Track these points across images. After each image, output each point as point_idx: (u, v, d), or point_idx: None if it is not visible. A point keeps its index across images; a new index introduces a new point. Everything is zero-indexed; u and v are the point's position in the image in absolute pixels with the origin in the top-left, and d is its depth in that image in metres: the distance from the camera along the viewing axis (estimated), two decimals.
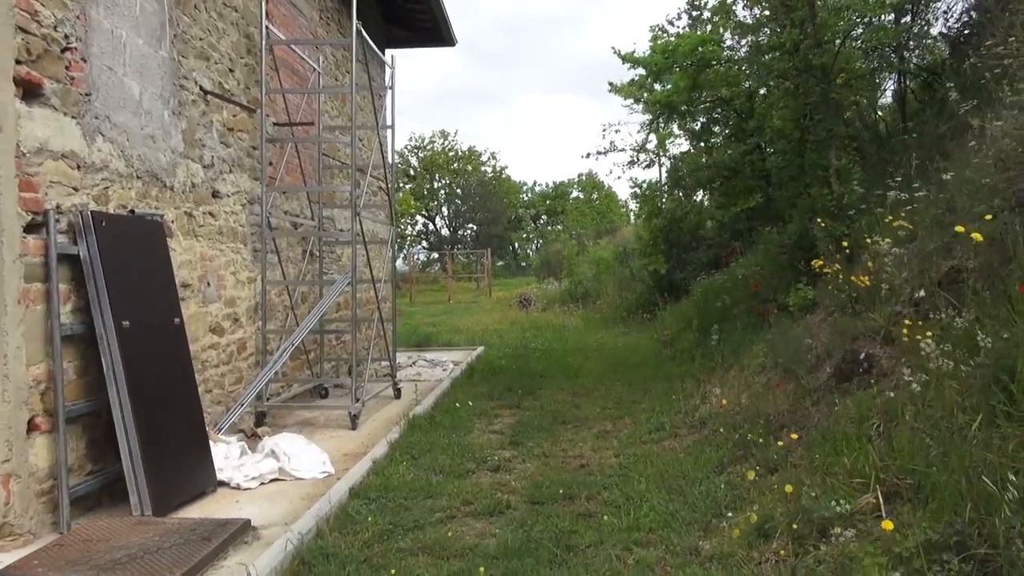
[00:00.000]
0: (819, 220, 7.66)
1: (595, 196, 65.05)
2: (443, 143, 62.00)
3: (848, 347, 5.39)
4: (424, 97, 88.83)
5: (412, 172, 60.61)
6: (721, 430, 5.82)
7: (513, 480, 5.57)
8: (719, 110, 12.72)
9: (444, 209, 62.69)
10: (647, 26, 12.99)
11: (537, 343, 15.84)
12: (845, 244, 7.00)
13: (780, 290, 8.64)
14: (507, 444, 6.64)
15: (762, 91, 11.59)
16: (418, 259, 62.23)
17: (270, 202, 7.83)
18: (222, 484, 5.41)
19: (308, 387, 8.98)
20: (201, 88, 6.52)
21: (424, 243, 62.73)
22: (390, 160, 12.65)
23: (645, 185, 13.59)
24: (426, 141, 61.79)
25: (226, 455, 5.59)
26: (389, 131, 10.58)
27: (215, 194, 6.75)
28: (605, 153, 12.18)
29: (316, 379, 9.13)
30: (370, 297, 11.97)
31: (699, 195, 14.03)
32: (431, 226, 63.17)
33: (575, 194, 67.06)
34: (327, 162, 9.94)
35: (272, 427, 7.52)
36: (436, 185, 61.67)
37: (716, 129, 13.14)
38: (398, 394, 9.27)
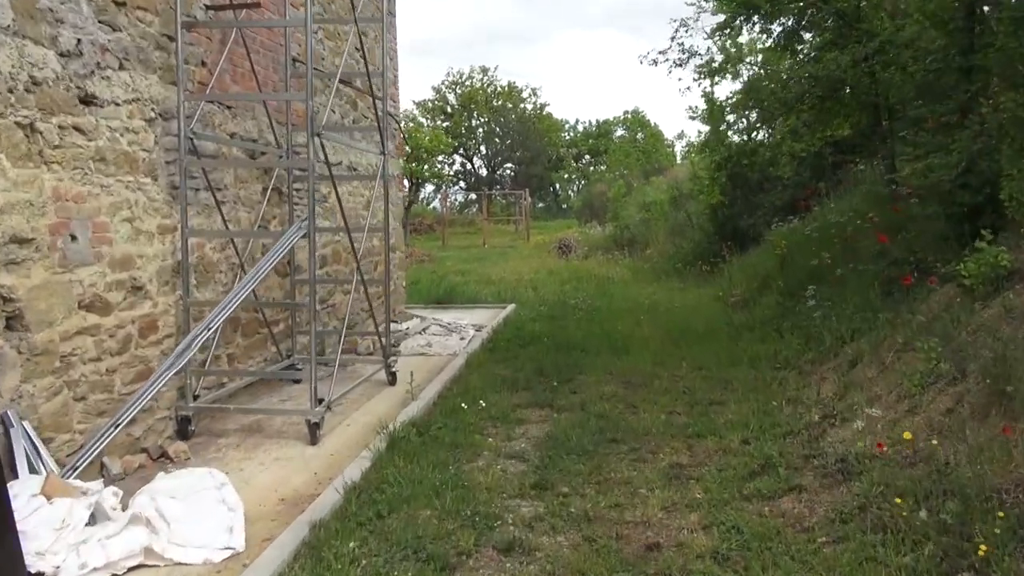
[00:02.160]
0: (1006, 141, 5.05)
1: (640, 135, 61.54)
2: (482, 79, 58.84)
3: None
4: (459, 32, 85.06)
5: (449, 109, 57.76)
6: (897, 506, 3.35)
7: None
8: (813, 11, 9.87)
9: (482, 148, 59.92)
10: None
11: (577, 299, 13.45)
12: None
13: (930, 248, 6.07)
14: (529, 487, 4.33)
15: None
16: (455, 200, 60.01)
17: (197, 117, 5.48)
18: None
19: (276, 369, 6.78)
20: None
21: (462, 183, 60.19)
22: (390, 69, 10.18)
23: (717, 103, 10.87)
24: (464, 77, 58.68)
25: (63, 522, 3.39)
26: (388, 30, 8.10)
27: (87, 99, 4.42)
28: (679, 64, 9.36)
29: (268, 370, 6.91)
30: (369, 248, 9.66)
31: (771, 126, 11.23)
32: (468, 166, 60.54)
33: (619, 133, 63.55)
34: (300, 70, 7.53)
35: (202, 438, 5.34)
36: (474, 123, 58.75)
37: (808, 37, 10.30)
38: (393, 379, 7.01)
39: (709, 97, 11.08)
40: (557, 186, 60.69)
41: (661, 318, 10.76)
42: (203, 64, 5.76)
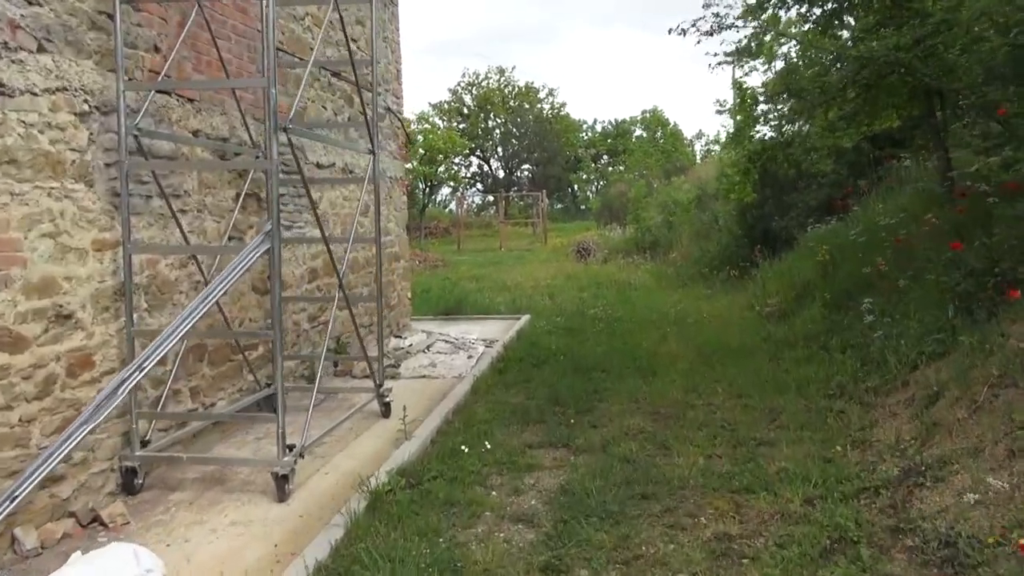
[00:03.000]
0: None
1: (659, 134, 60.44)
2: (499, 80, 58.07)
3: None
4: (476, 31, 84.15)
5: (466, 111, 57.01)
6: None
7: None
8: None
9: (499, 149, 59.13)
10: None
11: (597, 308, 12.53)
12: None
13: (1018, 257, 5.09)
14: (538, 569, 3.42)
15: None
16: (472, 202, 59.10)
17: (146, 111, 4.64)
18: None
19: (250, 402, 5.92)
20: None
21: (479, 185, 59.43)
22: (392, 62, 9.30)
23: (749, 90, 9.87)
24: (481, 78, 57.97)
25: None
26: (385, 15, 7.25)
27: None
28: (711, 33, 8.28)
29: (232, 409, 6.07)
30: (369, 258, 8.80)
31: (810, 117, 10.19)
32: (486, 168, 59.76)
33: (638, 132, 62.51)
34: (287, 60, 6.68)
35: (152, 492, 4.49)
36: (491, 124, 57.97)
37: (849, 21, 9.29)
38: (387, 410, 6.13)
39: (740, 84, 10.08)
40: (576, 187, 59.75)
41: (690, 331, 9.81)
42: (156, 50, 4.92)
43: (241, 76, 5.95)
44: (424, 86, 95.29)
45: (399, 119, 9.95)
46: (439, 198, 53.74)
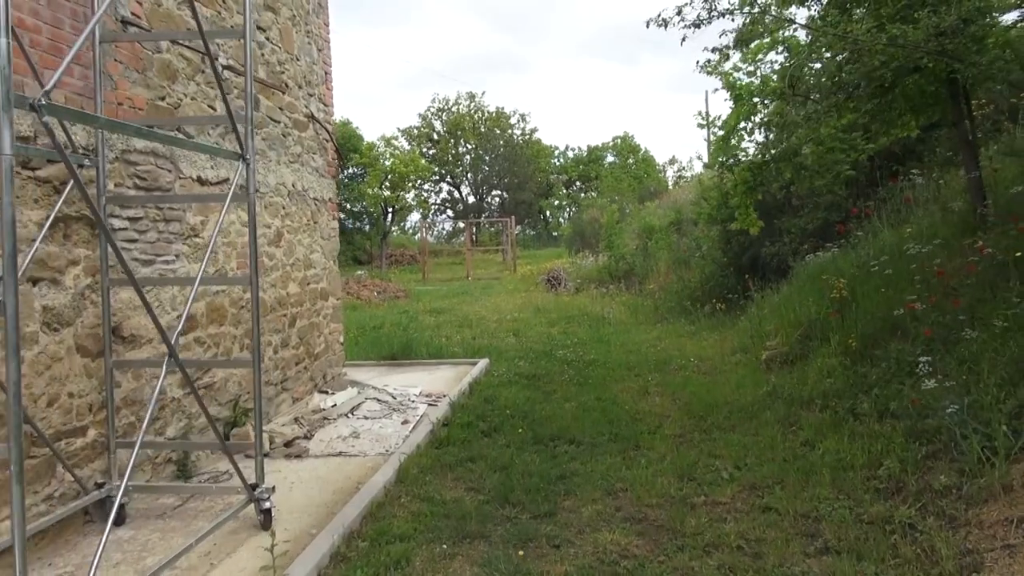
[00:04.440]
0: None
1: (631, 160, 59.51)
2: (469, 104, 56.84)
3: None
4: (442, 62, 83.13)
5: (436, 136, 55.61)
6: None
7: None
8: None
9: (469, 175, 57.79)
10: None
11: (568, 348, 10.90)
12: None
13: None
14: None
15: None
16: (442, 229, 57.34)
17: None
18: None
19: (73, 511, 4.14)
20: None
21: (449, 212, 57.96)
22: (318, 62, 7.49)
23: (743, 86, 8.33)
24: (451, 104, 56.72)
25: None
26: None
27: None
28: (699, 25, 6.66)
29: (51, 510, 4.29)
30: (281, 298, 7.08)
31: (815, 124, 8.67)
32: (456, 193, 58.30)
33: (610, 159, 61.59)
34: (133, 33, 4.96)
35: None
36: (461, 150, 56.66)
37: (858, 13, 7.83)
38: (266, 520, 4.37)
39: (732, 81, 8.54)
40: (548, 213, 58.44)
41: (675, 380, 8.17)
42: None
43: (59, 52, 4.24)
44: (397, 115, 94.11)
45: (327, 129, 8.29)
46: (407, 225, 52.16)
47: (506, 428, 6.42)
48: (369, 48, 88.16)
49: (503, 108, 57.28)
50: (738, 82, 8.49)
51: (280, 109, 7.23)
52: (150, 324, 4.83)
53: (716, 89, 11.26)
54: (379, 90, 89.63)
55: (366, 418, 6.71)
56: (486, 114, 56.71)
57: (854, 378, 6.22)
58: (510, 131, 56.87)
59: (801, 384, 6.83)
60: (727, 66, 8.11)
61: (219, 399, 5.88)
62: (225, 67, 6.16)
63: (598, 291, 18.64)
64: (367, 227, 38.41)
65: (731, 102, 8.70)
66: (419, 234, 44.92)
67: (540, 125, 70.49)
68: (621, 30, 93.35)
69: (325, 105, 8.38)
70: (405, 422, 6.63)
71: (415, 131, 56.10)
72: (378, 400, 7.30)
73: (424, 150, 54.70)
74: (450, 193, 58.54)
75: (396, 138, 42.94)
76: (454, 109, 56.66)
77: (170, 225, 5.33)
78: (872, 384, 5.88)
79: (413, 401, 7.36)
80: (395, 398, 7.44)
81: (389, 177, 30.45)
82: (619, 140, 62.03)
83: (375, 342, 12.01)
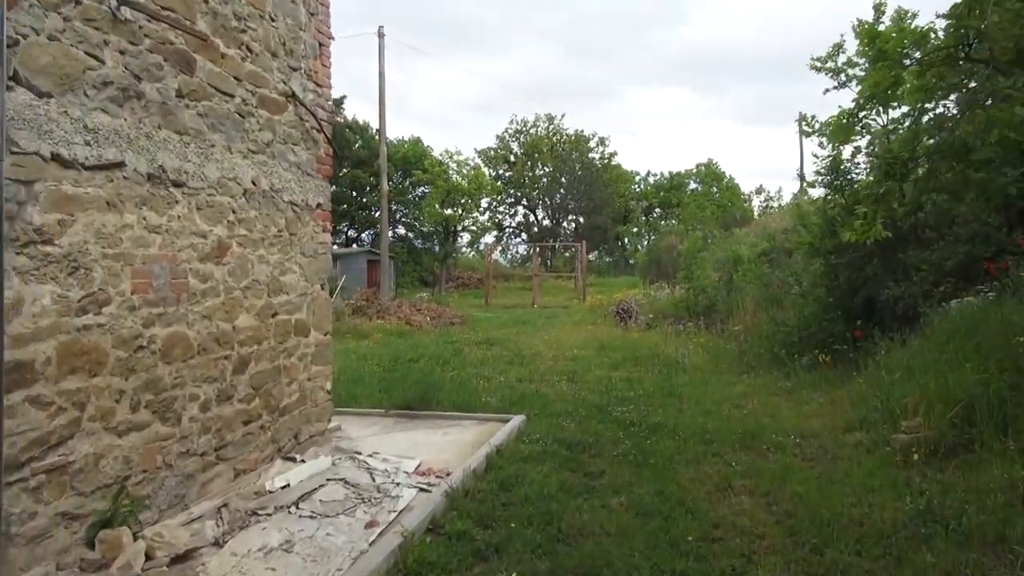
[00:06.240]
0: None
1: (715, 188, 56.51)
2: (547, 127, 55.15)
3: None
4: (524, 89, 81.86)
5: (512, 158, 54.12)
6: None
7: None
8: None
9: (545, 199, 55.98)
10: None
11: (629, 404, 8.65)
12: None
13: None
14: None
15: None
16: (516, 252, 55.49)
17: None
18: None
19: None
20: None
21: (524, 235, 56.24)
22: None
23: (896, 42, 6.04)
24: (529, 125, 55.16)
25: None
26: None
27: None
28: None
29: None
30: (213, 334, 5.16)
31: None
32: (531, 217, 56.56)
33: (692, 186, 58.76)
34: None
35: None
36: (538, 172, 54.97)
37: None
38: None
39: (871, 30, 6.21)
40: (626, 240, 55.91)
41: (770, 469, 5.82)
42: None
43: None
44: (473, 138, 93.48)
45: (315, 116, 6.39)
46: (481, 247, 50.48)
47: (515, 545, 4.26)
48: (465, 74, 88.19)
49: (582, 131, 55.25)
50: (884, 32, 6.12)
51: (236, 80, 5.35)
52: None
53: (826, 90, 8.82)
54: (459, 113, 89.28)
55: (315, 515, 4.65)
56: (564, 136, 54.93)
57: None
58: (589, 155, 54.87)
59: (974, 496, 4.43)
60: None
61: (81, 487, 3.95)
62: (139, 9, 4.30)
63: (672, 328, 16.23)
64: (436, 247, 36.96)
65: (867, 64, 6.33)
66: (496, 255, 43.31)
67: (620, 151, 68.05)
68: (704, 56, 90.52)
69: (317, 85, 6.50)
70: (371, 524, 4.54)
71: (492, 152, 54.78)
72: (346, 483, 5.24)
73: (500, 171, 53.25)
74: (525, 216, 56.89)
75: (459, 152, 41.45)
76: (532, 131, 55.12)
77: (27, 226, 3.45)
78: None
79: (399, 484, 5.28)
80: (375, 479, 5.38)
81: (451, 194, 28.77)
82: (702, 167, 59.19)
83: (399, 381, 10.06)
